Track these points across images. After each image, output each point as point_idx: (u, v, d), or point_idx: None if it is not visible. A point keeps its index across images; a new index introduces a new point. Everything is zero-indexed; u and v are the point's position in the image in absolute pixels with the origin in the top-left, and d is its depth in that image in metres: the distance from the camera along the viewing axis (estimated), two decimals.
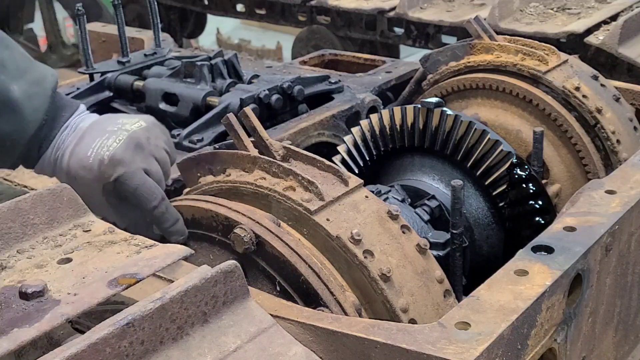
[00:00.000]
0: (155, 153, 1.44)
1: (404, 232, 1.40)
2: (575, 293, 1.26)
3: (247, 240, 1.30)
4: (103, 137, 1.40)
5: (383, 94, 2.39)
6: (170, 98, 2.14)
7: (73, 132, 1.44)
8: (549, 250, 1.25)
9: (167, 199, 1.43)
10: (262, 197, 1.39)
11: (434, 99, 1.85)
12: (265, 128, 1.56)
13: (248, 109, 1.52)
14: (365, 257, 1.31)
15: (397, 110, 1.88)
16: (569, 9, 3.04)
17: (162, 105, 2.14)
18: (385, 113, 1.90)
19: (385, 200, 1.67)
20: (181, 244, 1.31)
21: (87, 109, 1.52)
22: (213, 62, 2.17)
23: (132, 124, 1.44)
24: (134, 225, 1.46)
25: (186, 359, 0.95)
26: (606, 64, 2.76)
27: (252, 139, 1.50)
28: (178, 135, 1.94)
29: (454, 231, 1.57)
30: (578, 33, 2.78)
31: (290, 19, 4.08)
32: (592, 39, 2.70)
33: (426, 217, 1.71)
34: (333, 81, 2.29)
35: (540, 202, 1.76)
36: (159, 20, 2.44)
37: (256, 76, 2.23)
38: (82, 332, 0.97)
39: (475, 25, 2.17)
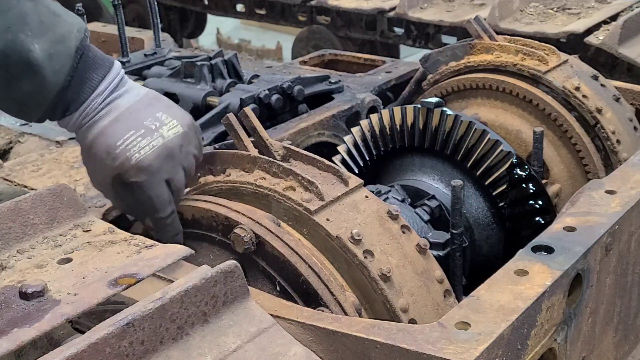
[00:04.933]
0: (184, 162, 1.40)
1: (404, 232, 1.40)
2: (575, 293, 1.26)
3: (247, 240, 1.30)
4: (138, 133, 1.35)
5: (383, 94, 2.39)
6: (170, 98, 2.12)
7: (108, 105, 1.37)
8: (549, 250, 1.25)
9: (176, 213, 1.41)
10: (262, 197, 1.39)
11: (434, 99, 1.85)
12: (265, 128, 1.56)
13: (248, 109, 1.52)
14: (365, 257, 1.31)
15: (397, 110, 1.87)
16: (569, 9, 3.04)
17: None
18: (385, 113, 1.90)
19: (385, 200, 1.67)
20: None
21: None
22: (213, 62, 2.17)
23: (170, 127, 1.38)
24: (129, 211, 1.45)
25: (186, 359, 0.95)
26: (606, 64, 2.76)
27: (252, 139, 1.50)
28: None
29: (454, 231, 1.57)
30: (578, 33, 2.78)
31: (290, 19, 4.08)
32: (592, 39, 2.70)
33: (426, 217, 1.71)
34: (333, 81, 2.29)
35: (540, 202, 1.76)
36: (159, 20, 2.44)
37: (256, 76, 2.23)
38: (82, 332, 0.97)
39: (475, 25, 2.17)
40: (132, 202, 1.41)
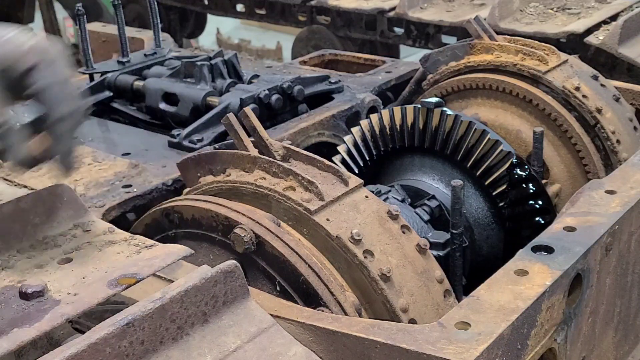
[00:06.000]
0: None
1: (404, 232, 1.40)
2: (575, 293, 1.26)
3: (247, 240, 1.30)
4: None
5: (383, 94, 2.39)
6: (170, 98, 2.14)
7: None
8: (549, 250, 1.25)
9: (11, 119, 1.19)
10: (262, 197, 1.39)
11: (434, 99, 1.85)
12: (265, 128, 1.56)
13: (248, 109, 1.52)
14: (365, 257, 1.31)
15: (397, 110, 1.88)
16: (569, 9, 3.04)
17: (162, 105, 2.14)
18: (385, 113, 1.90)
19: (385, 200, 1.67)
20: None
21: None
22: (213, 62, 2.17)
23: None
24: None
25: (186, 359, 0.95)
26: (606, 64, 2.76)
27: (252, 139, 1.50)
28: (178, 135, 1.94)
29: (454, 231, 1.57)
30: (578, 33, 2.78)
31: (290, 19, 4.08)
32: (592, 39, 2.70)
33: (426, 217, 1.71)
34: (333, 81, 2.29)
35: (540, 202, 1.76)
36: (159, 20, 2.44)
37: (256, 76, 2.23)
38: (82, 332, 0.97)
39: (475, 25, 2.17)
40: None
